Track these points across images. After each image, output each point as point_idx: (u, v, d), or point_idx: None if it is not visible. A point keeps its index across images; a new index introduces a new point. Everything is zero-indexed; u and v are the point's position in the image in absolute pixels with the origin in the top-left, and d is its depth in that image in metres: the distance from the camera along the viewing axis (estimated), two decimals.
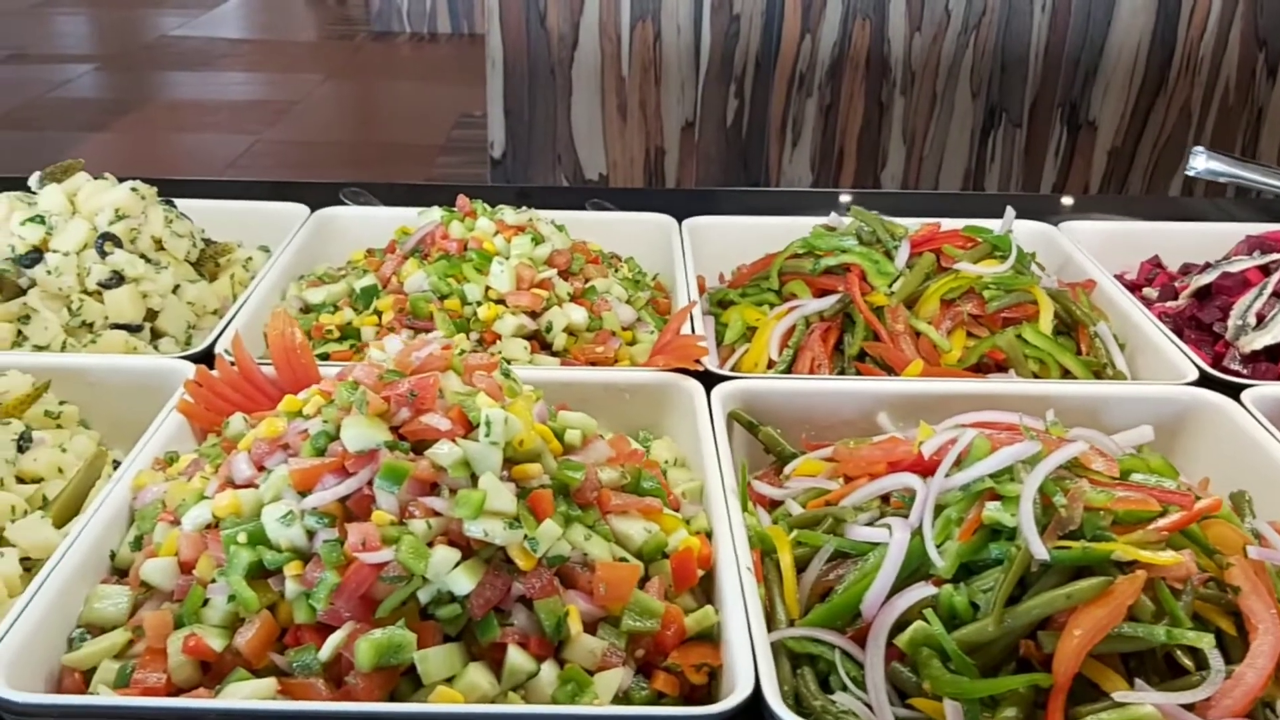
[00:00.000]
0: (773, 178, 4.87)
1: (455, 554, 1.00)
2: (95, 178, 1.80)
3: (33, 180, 1.80)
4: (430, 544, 1.01)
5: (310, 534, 1.04)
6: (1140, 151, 4.59)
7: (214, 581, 1.05)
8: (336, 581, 0.99)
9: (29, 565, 1.18)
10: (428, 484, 1.05)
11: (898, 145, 4.75)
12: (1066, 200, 2.72)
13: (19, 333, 1.62)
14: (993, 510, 1.06)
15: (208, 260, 1.82)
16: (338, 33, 11.40)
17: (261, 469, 1.13)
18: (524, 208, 1.74)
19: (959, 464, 1.13)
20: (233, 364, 1.45)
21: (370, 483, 1.05)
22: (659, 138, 4.78)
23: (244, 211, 2.00)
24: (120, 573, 1.17)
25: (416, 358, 1.15)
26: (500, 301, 1.57)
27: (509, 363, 1.38)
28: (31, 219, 1.66)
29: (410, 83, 9.65)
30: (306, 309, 1.74)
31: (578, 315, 1.57)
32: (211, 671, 1.01)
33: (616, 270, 1.77)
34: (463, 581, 0.99)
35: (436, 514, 1.03)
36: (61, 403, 1.45)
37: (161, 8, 12.41)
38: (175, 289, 1.71)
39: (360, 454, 1.06)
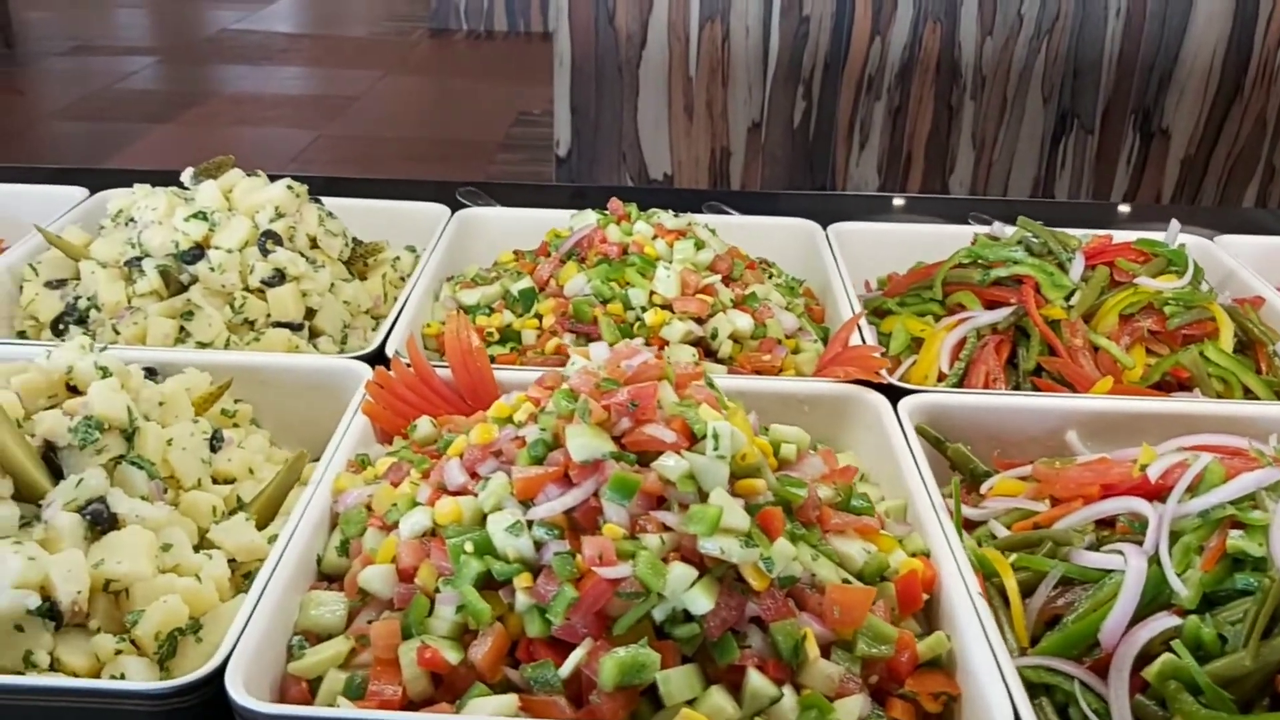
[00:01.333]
0: (839, 180, 4.84)
1: (692, 571, 0.98)
2: (249, 174, 1.79)
3: (186, 176, 1.80)
4: (664, 559, 0.99)
5: (538, 545, 1.02)
6: (1214, 161, 4.52)
7: (438, 591, 1.03)
8: (574, 596, 0.97)
9: (233, 568, 1.17)
10: (654, 497, 1.03)
11: (966, 150, 4.71)
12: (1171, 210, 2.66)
13: (181, 329, 1.62)
14: (1238, 539, 1.03)
15: (357, 259, 1.81)
16: (395, 29, 11.44)
17: (475, 475, 1.12)
18: (680, 213, 1.71)
19: (1192, 490, 1.09)
20: (408, 365, 1.44)
21: (596, 494, 1.03)
22: (725, 138, 4.76)
23: (384, 210, 1.99)
24: (326, 578, 1.16)
25: (628, 366, 1.13)
26: (666, 307, 1.54)
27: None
28: (195, 215, 1.66)
29: (467, 80, 9.67)
30: (461, 310, 1.72)
31: (743, 322, 1.55)
32: (444, 685, 0.99)
33: (771, 276, 1.74)
34: (701, 600, 0.97)
35: (668, 529, 1.01)
36: (236, 401, 1.44)
37: (220, 2, 12.52)
38: (331, 287, 1.70)
39: (585, 464, 1.04)
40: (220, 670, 0.97)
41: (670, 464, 1.03)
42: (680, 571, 0.97)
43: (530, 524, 1.03)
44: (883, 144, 4.73)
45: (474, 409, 1.42)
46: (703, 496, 1.02)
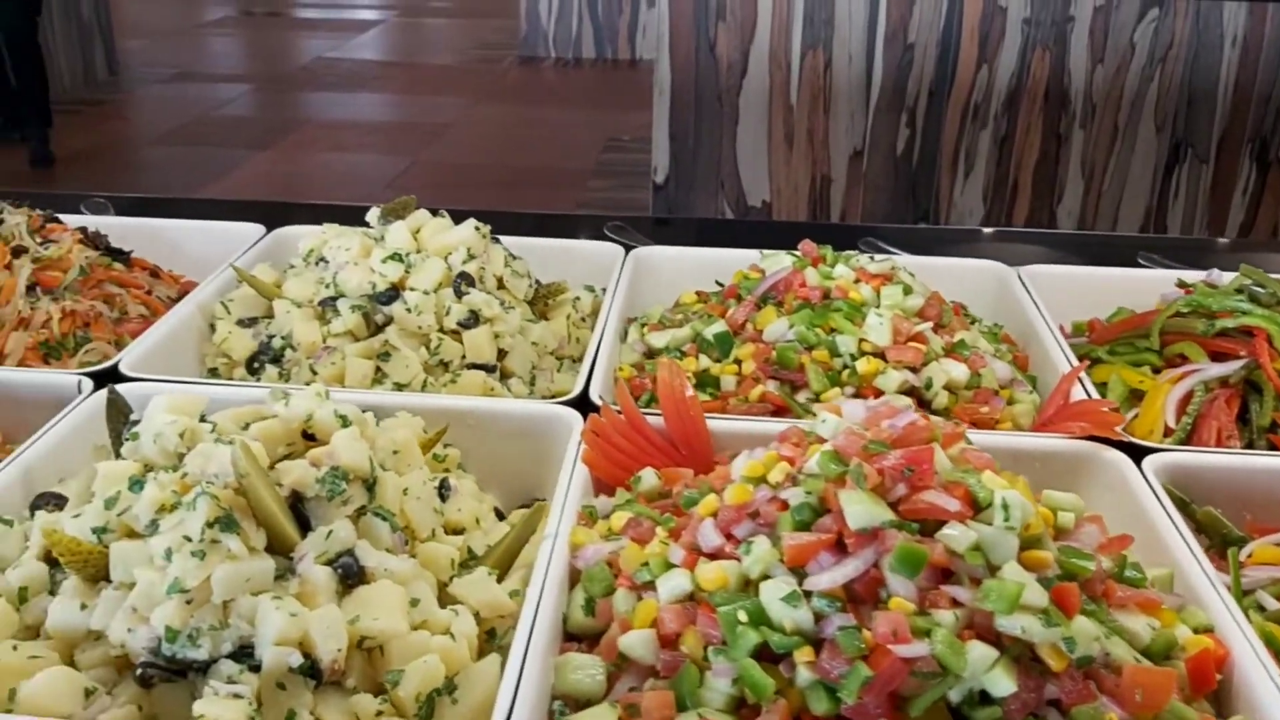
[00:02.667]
0: (943, 209, 4.77)
1: (993, 651, 0.93)
2: (434, 213, 1.78)
3: (372, 216, 1.79)
4: (958, 637, 0.94)
5: (818, 617, 0.97)
6: None
7: (707, 659, 0.99)
8: (869, 675, 0.92)
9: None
10: (939, 570, 0.98)
11: (1075, 179, 4.62)
12: None
13: (378, 369, 1.60)
14: None
15: (539, 299, 1.79)
16: (483, 57, 11.58)
17: (730, 537, 1.08)
18: (880, 256, 1.67)
19: None
20: (618, 412, 1.41)
21: (876, 564, 0.98)
22: (825, 166, 4.72)
23: (556, 249, 1.97)
24: (572, 637, 1.12)
25: (891, 426, 1.09)
26: (877, 355, 1.49)
27: None
28: (391, 257, 1.65)
29: (556, 107, 9.74)
30: (650, 353, 1.69)
31: (957, 371, 1.50)
32: None
33: (974, 322, 1.69)
34: (1004, 682, 0.92)
35: (958, 604, 0.96)
36: (446, 446, 1.42)
37: (313, 31, 12.77)
38: (520, 329, 1.68)
39: (862, 532, 0.99)
40: None
41: (956, 535, 0.98)
42: (981, 651, 0.92)
43: (808, 594, 0.98)
44: (988, 172, 4.66)
45: (687, 459, 1.39)
46: (991, 569, 0.97)
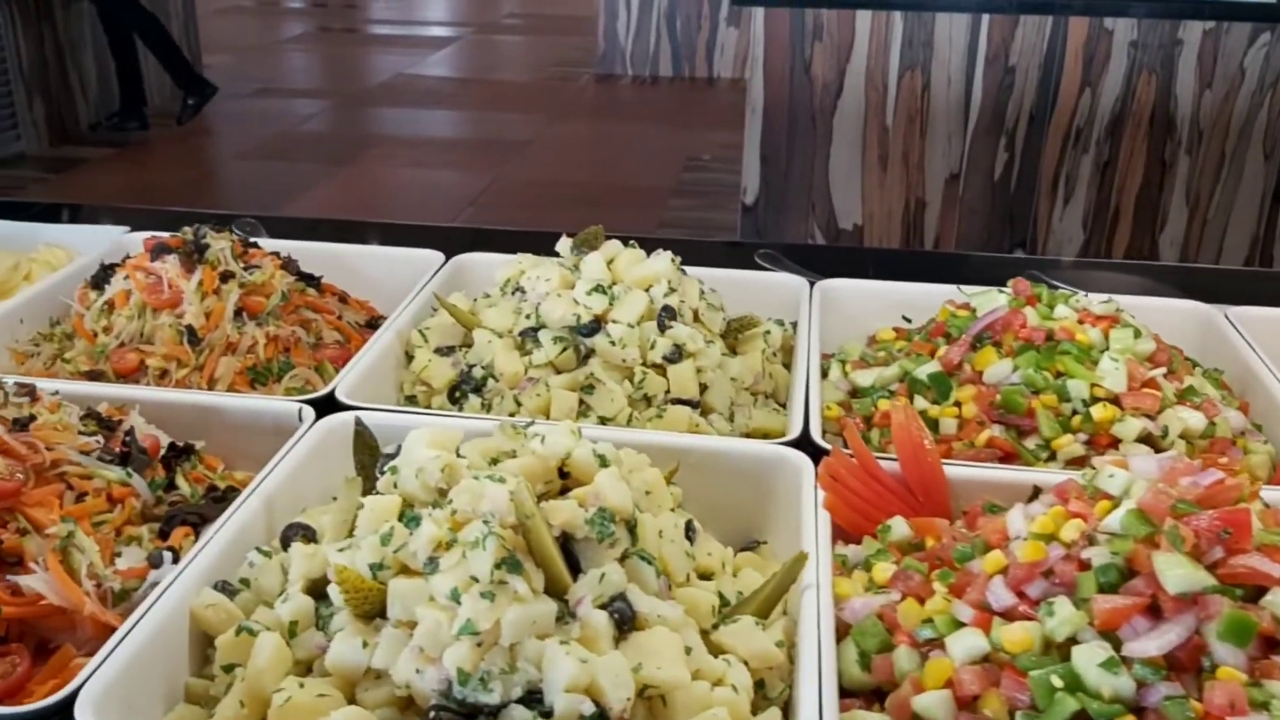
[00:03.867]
0: (1040, 234, 4.71)
1: None
2: (626, 244, 1.77)
3: (563, 247, 1.78)
4: None
5: (1139, 684, 0.94)
6: None
7: None
8: None
9: None
10: (1264, 638, 0.94)
11: (1179, 207, 4.54)
12: None
13: (581, 402, 1.59)
14: None
15: (730, 333, 1.77)
16: (560, 74, 11.65)
17: (1020, 595, 1.05)
18: (1100, 297, 1.63)
19: None
20: (850, 455, 1.38)
21: (1196, 631, 0.95)
22: (920, 189, 4.68)
23: (740, 281, 1.95)
24: (845, 693, 1.09)
25: (1194, 483, 1.05)
26: (1112, 401, 1.46)
27: None
28: (596, 289, 1.64)
29: (635, 125, 9.76)
30: (855, 392, 1.66)
31: (1194, 420, 1.46)
32: None
33: (1197, 367, 1.65)
34: None
35: None
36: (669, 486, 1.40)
37: (390, 47, 12.92)
38: (719, 364, 1.66)
39: (1182, 597, 0.96)
40: None
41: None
42: None
43: (1126, 660, 0.95)
44: (1089, 198, 4.60)
45: (925, 506, 1.36)
46: None
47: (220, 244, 1.73)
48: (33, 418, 1.24)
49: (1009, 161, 4.62)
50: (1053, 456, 1.46)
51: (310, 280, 1.84)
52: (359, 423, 1.32)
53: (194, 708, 1.12)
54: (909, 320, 1.90)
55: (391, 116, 10.17)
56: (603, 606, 1.07)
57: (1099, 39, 4.33)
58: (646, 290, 1.66)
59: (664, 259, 1.72)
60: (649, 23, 11.06)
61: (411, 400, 1.71)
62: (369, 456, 1.30)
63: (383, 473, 1.24)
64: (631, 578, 1.12)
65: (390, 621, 1.07)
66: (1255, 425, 1.57)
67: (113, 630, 1.15)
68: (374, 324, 1.90)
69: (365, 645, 1.06)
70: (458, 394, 1.66)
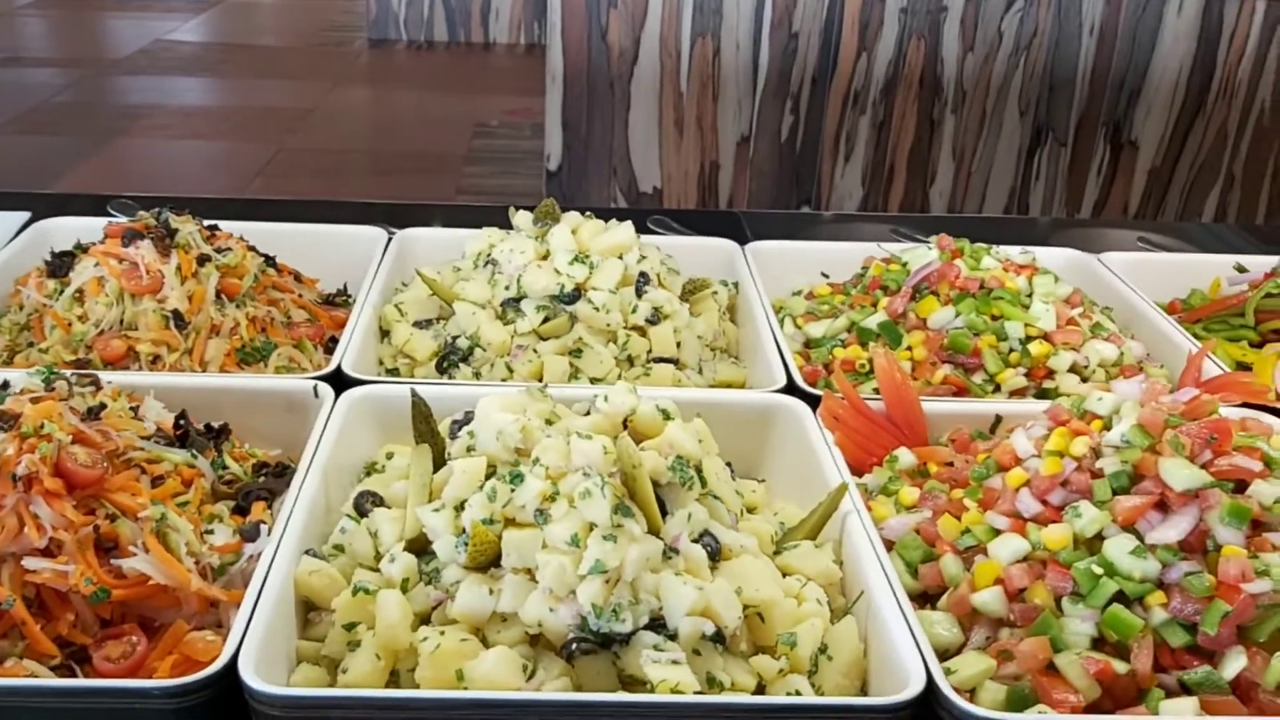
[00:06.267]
0: (824, 191, 5.03)
1: None
2: (585, 216, 1.87)
3: (523, 220, 1.87)
4: None
5: (1163, 565, 1.15)
6: (1178, 171, 4.84)
7: (1061, 608, 1.16)
8: (1228, 609, 1.11)
9: None
10: (1253, 521, 1.18)
11: (947, 162, 4.93)
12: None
13: (571, 364, 1.70)
14: None
15: (685, 294, 1.91)
16: (332, 39, 11.33)
17: (1044, 503, 1.25)
18: (1022, 249, 1.87)
19: None
20: (840, 398, 1.56)
21: (1200, 519, 1.17)
22: (714, 152, 4.92)
23: (671, 245, 2.09)
24: None
25: (1176, 401, 1.28)
26: (1045, 338, 1.69)
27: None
28: (577, 259, 1.74)
29: (416, 91, 9.64)
30: (808, 343, 1.84)
31: (1108, 351, 1.71)
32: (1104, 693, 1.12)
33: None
34: None
35: (1277, 548, 1.16)
36: None
37: (144, 13, 12.20)
38: (687, 324, 1.80)
39: (1187, 493, 1.18)
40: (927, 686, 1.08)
41: (1266, 490, 1.18)
42: None
43: (1150, 547, 1.16)
44: (867, 156, 4.93)
45: (908, 437, 1.55)
46: None
47: (188, 228, 1.73)
48: (103, 406, 1.25)
49: (794, 124, 4.85)
50: (997, 389, 1.68)
51: (269, 261, 1.86)
52: (415, 395, 1.38)
53: (315, 667, 1.18)
54: (827, 275, 2.09)
55: (156, 85, 9.63)
56: (695, 541, 1.21)
57: (873, 6, 4.60)
58: (620, 258, 1.77)
59: (627, 228, 1.84)
60: None
61: (393, 373, 1.77)
62: (426, 425, 1.37)
63: (455, 437, 1.32)
64: (711, 515, 1.25)
65: (506, 569, 1.17)
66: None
67: (215, 604, 1.20)
68: (331, 301, 1.93)
69: (491, 592, 1.16)
70: (445, 364, 1.73)
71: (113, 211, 2.44)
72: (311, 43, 11.23)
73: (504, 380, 1.69)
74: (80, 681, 1.07)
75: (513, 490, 1.19)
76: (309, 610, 1.25)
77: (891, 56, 4.71)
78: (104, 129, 8.19)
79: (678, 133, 4.86)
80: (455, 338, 1.75)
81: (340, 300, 1.95)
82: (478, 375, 1.71)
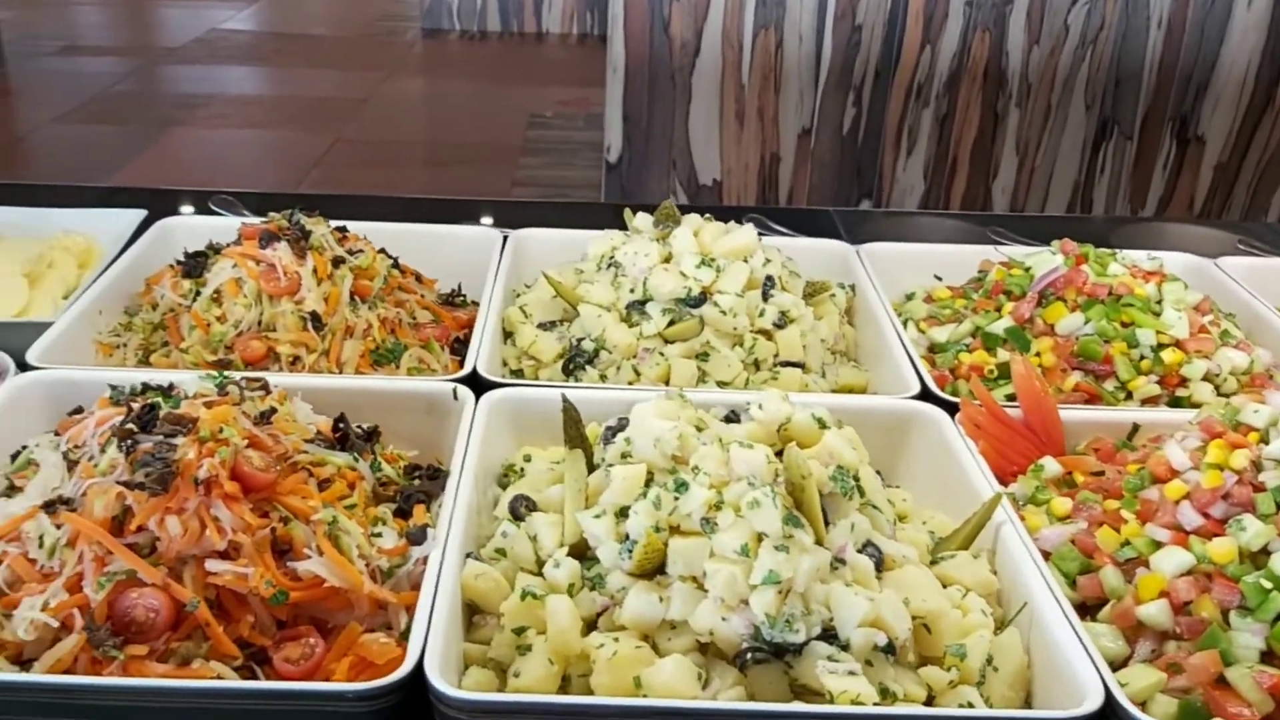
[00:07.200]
0: (885, 185, 5.01)
1: None
2: (704, 218, 1.88)
3: (644, 222, 1.88)
4: None
5: None
6: (1245, 167, 4.78)
7: (1227, 622, 1.16)
8: None
9: None
10: None
11: (1010, 156, 4.89)
12: None
13: (698, 368, 1.71)
14: None
15: (805, 297, 1.91)
16: (385, 29, 11.39)
17: (1206, 516, 1.25)
18: (1149, 254, 1.86)
19: None
20: (978, 405, 1.56)
21: None
22: (775, 144, 4.90)
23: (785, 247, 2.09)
24: None
25: None
26: (1177, 345, 1.68)
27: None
28: (705, 263, 1.75)
29: (470, 82, 9.67)
30: (932, 348, 1.84)
31: (1239, 359, 1.69)
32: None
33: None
34: None
35: None
36: None
37: (198, 1, 12.31)
38: (811, 327, 1.80)
39: None
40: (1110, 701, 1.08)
41: None
42: None
43: None
44: (929, 150, 4.90)
45: (1046, 445, 1.55)
46: None
47: (321, 229, 1.75)
48: (273, 410, 1.28)
49: (857, 116, 4.83)
50: (1129, 396, 1.67)
51: (394, 262, 1.88)
52: (566, 401, 1.40)
53: (484, 670, 1.20)
54: (940, 278, 2.09)
55: (213, 74, 9.74)
56: (859, 551, 1.21)
57: None
58: (744, 261, 1.78)
59: (749, 231, 1.84)
60: None
61: (517, 374, 1.78)
62: (576, 430, 1.39)
63: (609, 443, 1.34)
64: (871, 524, 1.26)
65: (674, 577, 1.18)
66: None
67: (384, 606, 1.22)
68: (450, 301, 1.95)
69: (661, 600, 1.17)
70: (571, 366, 1.75)
71: (215, 208, 2.48)
72: (365, 32, 11.30)
73: (630, 383, 1.70)
74: (275, 685, 1.09)
75: (676, 498, 1.20)
76: (472, 614, 1.27)
77: (956, 49, 4.68)
78: (162, 118, 8.29)
79: (738, 125, 4.86)
80: (580, 340, 1.76)
81: (459, 301, 1.97)
82: (604, 377, 1.73)
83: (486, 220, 2.39)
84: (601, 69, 4.81)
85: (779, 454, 1.26)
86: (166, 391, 1.29)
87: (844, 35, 4.67)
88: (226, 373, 1.31)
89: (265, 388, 1.31)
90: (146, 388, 1.30)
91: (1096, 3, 4.61)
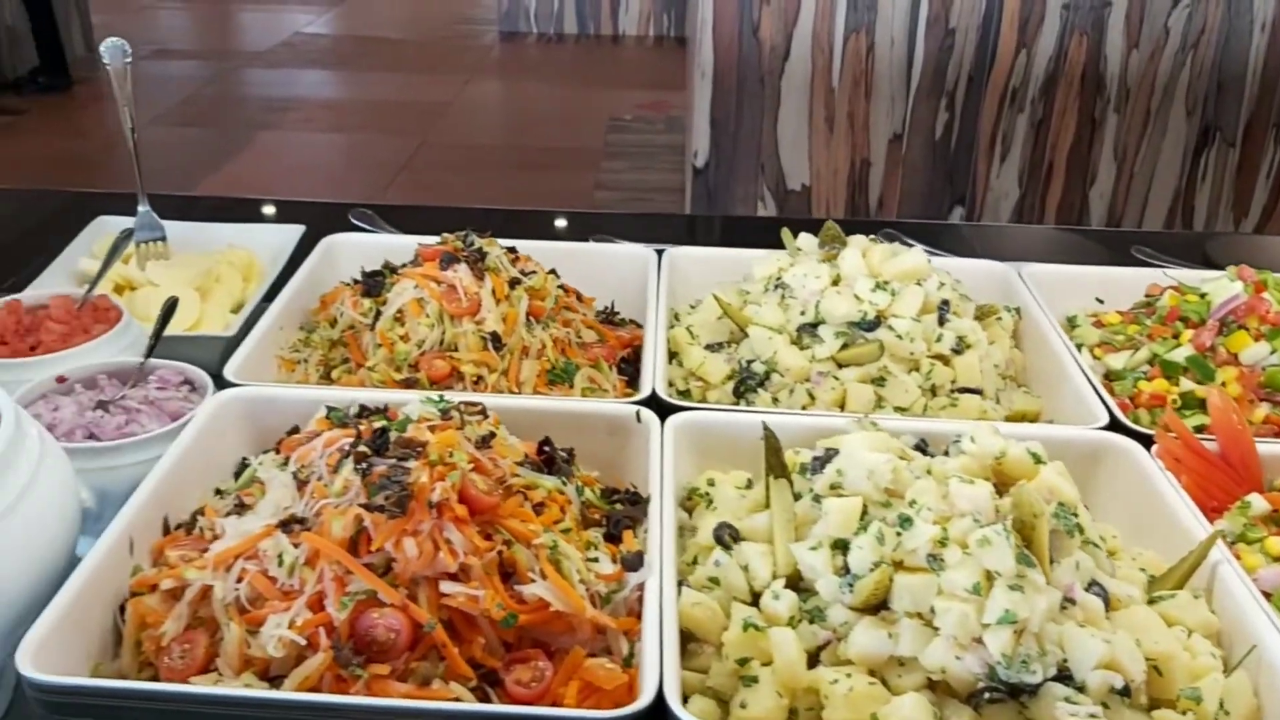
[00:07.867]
0: (979, 191, 4.95)
1: None
2: (871, 240, 1.87)
3: (804, 242, 1.88)
4: None
5: None
6: None
7: None
8: None
9: None
10: None
11: (1108, 162, 4.81)
12: None
13: (875, 393, 1.70)
14: None
15: (977, 320, 1.89)
16: (465, 32, 11.48)
17: None
18: None
19: None
20: (1173, 437, 1.53)
21: None
22: (865, 149, 4.86)
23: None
24: None
25: None
26: None
27: None
28: (879, 286, 1.74)
29: (549, 85, 9.72)
30: (1109, 375, 1.81)
31: None
32: None
33: None
34: None
35: None
36: None
37: (283, 5, 12.50)
38: (986, 353, 1.78)
39: None
40: None
41: None
42: None
43: None
44: (1024, 156, 4.83)
45: (1243, 480, 1.52)
46: None
47: (494, 250, 1.77)
48: (492, 434, 1.29)
49: (949, 121, 4.79)
50: None
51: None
52: (767, 429, 1.40)
53: (706, 699, 1.20)
54: (1101, 301, 2.06)
55: (298, 78, 9.89)
56: (1085, 590, 1.20)
57: (1034, 2, 4.52)
58: (919, 284, 1.77)
59: (918, 254, 1.83)
60: None
61: (685, 395, 1.78)
62: (777, 458, 1.38)
63: (816, 473, 1.33)
64: (1095, 563, 1.24)
65: (900, 613, 1.17)
66: None
67: (603, 631, 1.23)
68: (609, 320, 1.96)
69: (890, 636, 1.16)
70: (742, 388, 1.74)
71: (354, 220, 2.52)
72: (443, 36, 11.42)
73: (804, 407, 1.70)
74: (527, 709, 1.10)
75: (899, 534, 1.20)
76: (686, 642, 1.27)
77: (1052, 53, 4.63)
78: (251, 121, 8.44)
79: (828, 130, 4.84)
80: (750, 362, 1.76)
81: (618, 319, 1.97)
82: (776, 400, 1.72)
83: (561, 223, 2.39)
84: (679, 71, 4.80)
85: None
86: (383, 413, 1.31)
87: (937, 39, 4.64)
88: (446, 396, 1.32)
89: (484, 412, 1.32)
90: (364, 410, 1.32)
91: (1198, 5, 4.53)
